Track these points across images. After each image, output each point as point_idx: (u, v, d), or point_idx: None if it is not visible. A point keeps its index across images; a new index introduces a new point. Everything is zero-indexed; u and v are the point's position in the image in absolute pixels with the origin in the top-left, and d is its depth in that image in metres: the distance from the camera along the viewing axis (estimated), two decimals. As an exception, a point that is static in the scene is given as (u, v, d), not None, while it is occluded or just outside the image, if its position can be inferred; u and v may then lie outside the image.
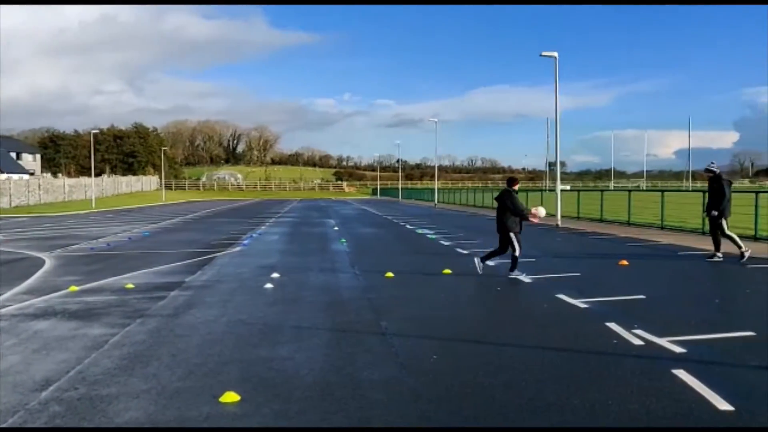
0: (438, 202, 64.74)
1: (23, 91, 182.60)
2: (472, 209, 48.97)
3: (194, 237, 24.66)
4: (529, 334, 8.23)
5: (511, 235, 13.27)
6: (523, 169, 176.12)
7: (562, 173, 34.54)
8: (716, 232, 15.21)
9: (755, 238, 19.45)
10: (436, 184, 68.86)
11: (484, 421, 5.27)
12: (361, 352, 7.41)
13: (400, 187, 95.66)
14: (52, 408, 5.62)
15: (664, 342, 7.59)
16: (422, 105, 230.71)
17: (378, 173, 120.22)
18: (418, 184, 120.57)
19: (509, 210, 13.33)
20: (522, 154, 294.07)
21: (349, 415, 5.40)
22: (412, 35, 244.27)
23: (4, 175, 69.26)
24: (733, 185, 15.44)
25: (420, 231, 26.84)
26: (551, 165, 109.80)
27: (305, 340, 8.02)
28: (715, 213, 14.99)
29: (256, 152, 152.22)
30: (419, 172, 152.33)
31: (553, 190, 35.88)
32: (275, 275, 13.51)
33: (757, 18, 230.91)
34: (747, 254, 14.69)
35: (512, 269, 13.25)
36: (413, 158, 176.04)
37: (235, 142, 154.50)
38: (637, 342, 7.67)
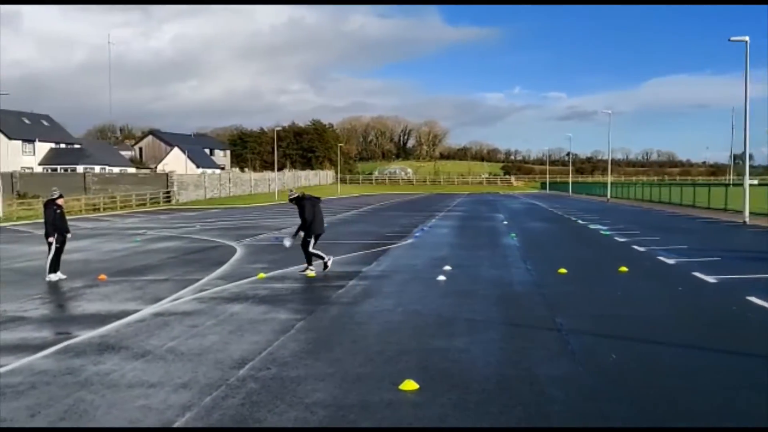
0: (610, 196, 62.03)
1: (219, 92, 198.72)
2: (648, 204, 46.43)
3: (369, 229, 25.59)
4: (717, 338, 7.76)
5: None
6: (704, 162, 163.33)
7: (749, 166, 31.74)
8: None
9: None
10: (609, 178, 66.06)
11: (671, 425, 5.08)
12: (536, 348, 7.39)
13: (570, 181, 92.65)
14: (249, 385, 6.15)
15: None
16: (595, 97, 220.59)
17: (547, 167, 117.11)
18: (589, 179, 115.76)
19: None
20: (702, 147, 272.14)
21: (527, 409, 5.44)
22: (584, 26, 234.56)
23: (200, 170, 75.81)
24: None
25: (593, 227, 25.95)
26: (737, 158, 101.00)
27: (480, 333, 8.12)
28: None
29: (425, 147, 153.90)
30: (590, 165, 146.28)
31: (739, 184, 33.15)
32: (447, 268, 13.71)
33: None
34: None
35: None
36: (584, 152, 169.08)
37: (406, 137, 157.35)
38: None
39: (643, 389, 5.88)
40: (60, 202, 13.72)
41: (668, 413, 5.31)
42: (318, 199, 14.24)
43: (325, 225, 14.50)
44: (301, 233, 13.75)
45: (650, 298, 10.54)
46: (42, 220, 14.28)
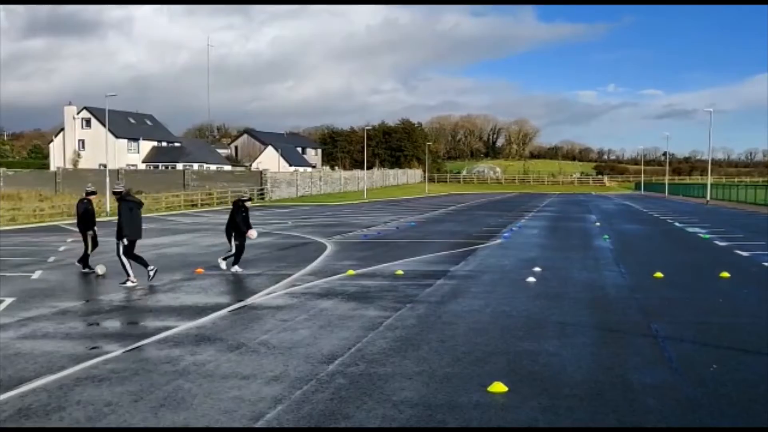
0: (710, 198, 59.22)
1: (313, 92, 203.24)
2: (752, 207, 44.01)
3: (456, 228, 25.47)
4: (830, 351, 7.28)
5: None
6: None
7: None
8: None
9: None
10: (709, 179, 63.03)
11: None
12: (630, 354, 7.16)
13: (666, 181, 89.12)
14: (338, 381, 6.24)
15: None
16: (694, 94, 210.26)
17: (642, 167, 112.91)
18: (687, 179, 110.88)
19: None
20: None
21: (620, 417, 5.27)
22: (683, 22, 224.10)
23: (292, 168, 77.64)
24: None
25: (690, 230, 24.86)
26: None
27: (571, 337, 7.94)
28: None
29: (515, 146, 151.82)
30: (688, 166, 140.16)
31: None
32: (537, 269, 13.48)
33: None
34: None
35: None
36: (681, 151, 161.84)
37: (495, 136, 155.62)
38: None
39: (747, 403, 5.59)
40: (249, 204, 14.16)
41: (774, 428, 5.03)
42: (140, 204, 12.93)
43: (143, 233, 13.09)
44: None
45: (755, 306, 10.00)
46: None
